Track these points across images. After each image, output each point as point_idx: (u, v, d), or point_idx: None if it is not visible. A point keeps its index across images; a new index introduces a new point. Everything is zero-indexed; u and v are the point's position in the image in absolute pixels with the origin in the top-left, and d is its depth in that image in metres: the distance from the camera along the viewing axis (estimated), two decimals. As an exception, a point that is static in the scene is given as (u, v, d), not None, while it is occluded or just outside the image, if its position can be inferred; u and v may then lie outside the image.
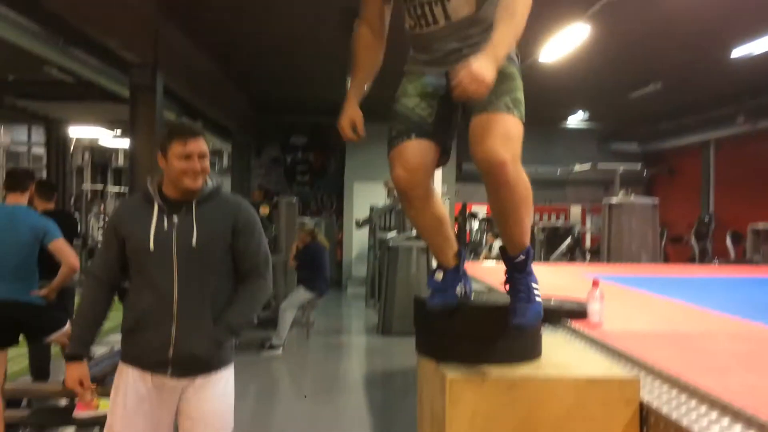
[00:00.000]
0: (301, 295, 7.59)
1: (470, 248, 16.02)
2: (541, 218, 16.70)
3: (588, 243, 13.72)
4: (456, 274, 2.19)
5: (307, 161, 14.41)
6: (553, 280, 4.79)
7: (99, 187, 17.09)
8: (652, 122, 13.11)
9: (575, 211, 17.80)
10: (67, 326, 3.99)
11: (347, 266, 13.82)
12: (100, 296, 2.41)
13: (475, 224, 17.75)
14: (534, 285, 2.06)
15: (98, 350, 4.53)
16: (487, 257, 13.17)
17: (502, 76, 1.91)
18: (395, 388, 6.33)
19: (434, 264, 2.30)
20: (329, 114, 14.87)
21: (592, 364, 2.16)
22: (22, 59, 7.07)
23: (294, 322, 7.65)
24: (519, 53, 2.20)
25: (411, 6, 2.07)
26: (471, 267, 5.69)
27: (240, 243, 2.40)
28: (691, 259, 11.88)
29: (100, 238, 13.54)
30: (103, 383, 3.39)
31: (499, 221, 2.09)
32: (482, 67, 1.77)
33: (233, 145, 13.78)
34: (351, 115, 2.27)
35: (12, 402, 4.39)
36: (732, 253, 10.61)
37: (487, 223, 16.88)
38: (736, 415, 1.74)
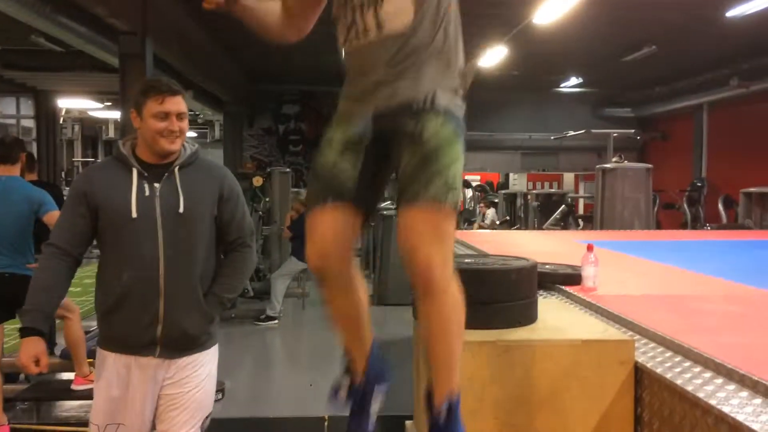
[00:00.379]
0: (294, 265, 7.60)
1: (464, 217, 16.08)
2: (534, 186, 16.74)
3: (581, 210, 13.77)
4: (369, 387, 1.78)
5: (299, 131, 14.32)
6: (546, 246, 4.81)
7: (90, 160, 16.98)
8: (646, 87, 13.07)
9: (568, 178, 17.85)
10: (65, 299, 3.99)
11: (341, 236, 13.84)
12: (62, 268, 2.15)
13: (468, 193, 17.80)
14: None
15: (93, 324, 4.55)
16: (481, 226, 13.22)
17: (438, 143, 1.54)
18: (391, 356, 6.38)
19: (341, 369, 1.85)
20: (322, 82, 14.75)
21: (588, 327, 2.18)
22: (9, 28, 6.95)
23: (289, 293, 7.67)
24: (464, 87, 1.84)
25: (342, 11, 1.69)
26: (466, 235, 5.71)
27: (226, 212, 2.25)
28: (683, 225, 11.95)
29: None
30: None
31: (426, 349, 1.65)
32: None
33: (225, 116, 13.68)
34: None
35: (9, 376, 4.41)
36: (724, 218, 10.67)
37: (481, 191, 16.91)
38: (730, 374, 1.76)
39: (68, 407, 4.39)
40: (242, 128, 14.05)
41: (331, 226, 1.65)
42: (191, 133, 15.56)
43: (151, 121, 2.12)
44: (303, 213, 7.77)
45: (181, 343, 2.18)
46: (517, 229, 12.10)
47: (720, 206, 10.96)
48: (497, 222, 13.56)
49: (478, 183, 18.26)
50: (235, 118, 13.63)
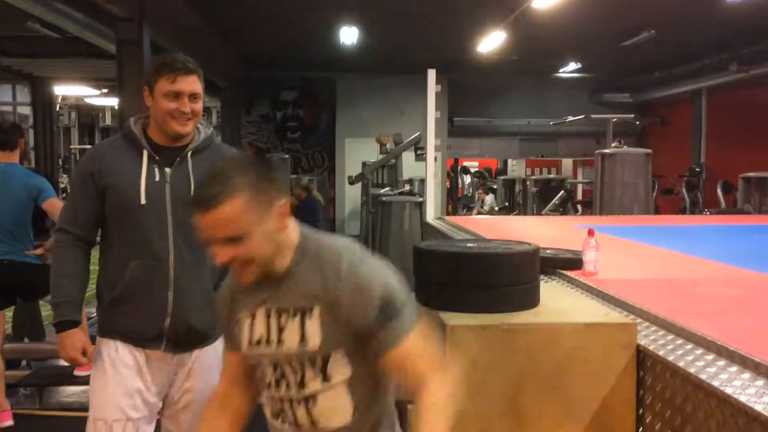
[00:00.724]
0: None
1: (462, 203, 16.09)
2: (532, 172, 16.73)
3: (580, 196, 13.78)
4: None
5: (297, 117, 14.27)
6: (546, 232, 4.81)
7: (87, 147, 16.93)
8: (645, 72, 13.03)
9: (567, 164, 17.84)
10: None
11: (340, 223, 13.84)
12: (79, 254, 2.05)
13: (467, 179, 17.79)
14: None
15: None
16: (479, 212, 13.23)
17: (380, 295, 1.40)
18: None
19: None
20: (320, 68, 14.70)
21: (590, 311, 2.18)
22: (4, 14, 6.89)
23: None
24: None
25: (269, 395, 1.51)
26: (464, 221, 5.71)
27: None
28: (682, 211, 11.96)
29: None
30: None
31: None
32: None
33: (222, 102, 13.63)
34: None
35: (12, 363, 4.43)
36: (723, 203, 10.68)
37: (479, 177, 16.91)
38: (732, 357, 1.77)
39: (71, 393, 4.41)
40: (240, 115, 13.99)
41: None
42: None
43: (162, 101, 2.01)
44: (305, 198, 7.76)
45: (190, 338, 2.08)
46: (515, 215, 12.10)
47: (719, 191, 10.96)
48: (496, 208, 13.57)
49: (477, 169, 18.28)
50: (233, 104, 13.58)
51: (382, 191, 9.88)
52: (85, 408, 2.18)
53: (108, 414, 2.02)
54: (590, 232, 2.95)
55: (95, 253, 2.15)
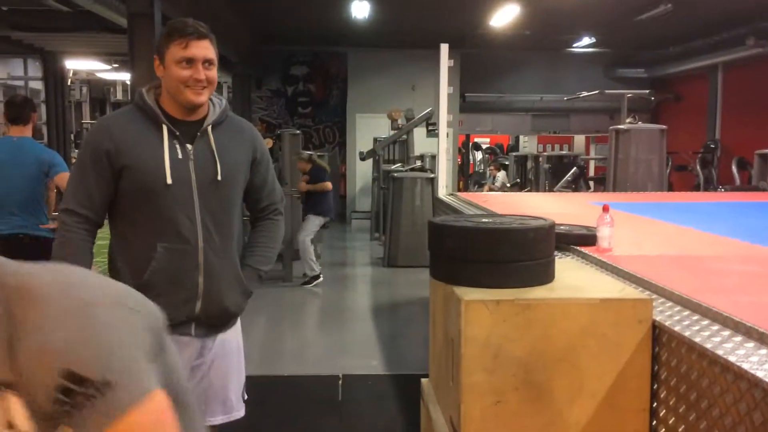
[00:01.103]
0: (314, 222, 7.64)
1: (474, 179, 16.03)
2: (544, 148, 16.62)
3: (592, 172, 13.69)
4: None
5: (308, 92, 14.21)
6: (559, 208, 4.79)
7: (99, 121, 16.94)
8: (660, 46, 12.85)
9: (579, 140, 17.70)
10: None
11: (351, 199, 13.85)
12: (88, 241, 1.93)
13: (479, 155, 17.71)
14: None
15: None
16: (491, 189, 13.19)
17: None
18: (402, 317, 6.44)
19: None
20: (331, 43, 14.59)
21: (605, 286, 2.17)
22: (15, -12, 6.87)
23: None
24: None
25: None
26: (476, 197, 5.70)
27: (259, 175, 2.08)
28: (695, 187, 11.87)
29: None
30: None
31: None
32: None
33: (233, 78, 13.57)
34: None
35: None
36: (737, 180, 10.58)
37: (491, 153, 16.83)
38: (749, 332, 1.76)
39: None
40: (251, 90, 13.95)
41: None
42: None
43: (175, 69, 1.89)
44: (312, 168, 7.75)
45: (220, 320, 2.02)
46: (527, 191, 12.06)
47: (733, 168, 10.86)
48: (508, 184, 13.52)
49: (488, 145, 18.18)
50: (244, 79, 13.53)
51: (393, 167, 9.86)
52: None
53: None
54: (605, 208, 2.92)
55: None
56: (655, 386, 1.95)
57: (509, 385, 1.94)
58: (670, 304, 2.11)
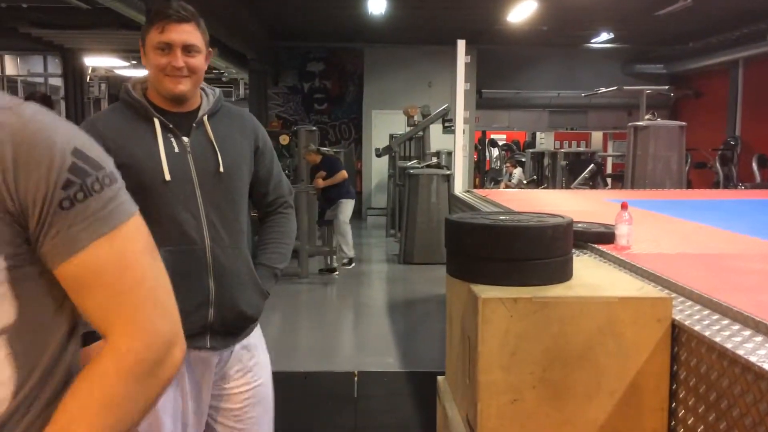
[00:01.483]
0: (348, 205, 7.70)
1: (490, 176, 15.97)
2: (561, 145, 16.52)
3: (609, 169, 13.59)
4: None
5: (324, 89, 14.23)
6: (576, 205, 4.76)
7: (117, 118, 17.11)
8: (680, 42, 12.71)
9: (596, 137, 17.58)
10: None
11: (367, 196, 13.85)
12: None
13: (495, 152, 17.64)
14: None
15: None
16: (507, 185, 13.13)
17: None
18: (418, 314, 6.44)
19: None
20: (347, 39, 14.59)
21: (624, 285, 2.16)
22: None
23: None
24: None
25: None
26: (493, 194, 5.68)
27: (263, 167, 1.96)
28: (715, 185, 11.74)
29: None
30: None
31: None
32: None
33: (250, 74, 13.63)
34: None
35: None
36: (758, 178, 10.46)
37: (507, 150, 16.75)
38: (770, 333, 1.74)
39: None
40: (267, 87, 14.00)
41: None
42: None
43: (152, 55, 1.74)
44: (323, 159, 7.78)
45: (237, 327, 1.87)
46: (544, 188, 11.99)
47: (754, 165, 10.73)
48: (524, 181, 13.46)
49: (505, 142, 18.11)
50: (260, 76, 13.58)
51: (409, 164, 9.85)
52: None
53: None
54: (623, 206, 2.90)
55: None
56: (674, 386, 1.94)
57: (526, 383, 1.93)
58: (689, 303, 2.09)
